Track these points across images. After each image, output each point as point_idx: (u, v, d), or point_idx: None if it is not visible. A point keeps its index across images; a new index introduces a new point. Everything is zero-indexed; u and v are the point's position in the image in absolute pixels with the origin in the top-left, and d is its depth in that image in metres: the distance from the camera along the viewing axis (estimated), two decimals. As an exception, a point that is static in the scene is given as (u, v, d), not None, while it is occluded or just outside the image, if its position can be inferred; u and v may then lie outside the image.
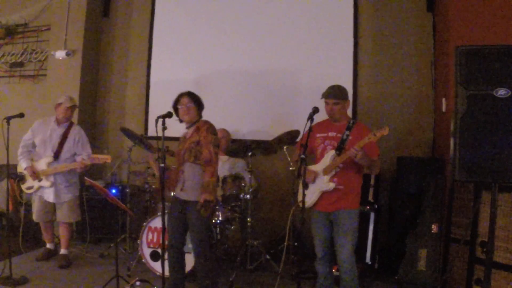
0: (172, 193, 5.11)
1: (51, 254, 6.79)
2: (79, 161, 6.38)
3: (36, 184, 6.44)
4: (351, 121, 4.69)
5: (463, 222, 5.47)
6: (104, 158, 6.31)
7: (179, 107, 4.90)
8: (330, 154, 4.76)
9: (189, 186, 4.81)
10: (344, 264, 4.70)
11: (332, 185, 4.73)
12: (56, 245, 6.90)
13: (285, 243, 6.04)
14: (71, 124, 6.62)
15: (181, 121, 4.99)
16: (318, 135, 4.94)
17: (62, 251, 6.67)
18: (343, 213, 4.72)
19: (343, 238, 4.70)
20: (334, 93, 4.85)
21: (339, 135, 4.75)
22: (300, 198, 4.94)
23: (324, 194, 4.81)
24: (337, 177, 4.76)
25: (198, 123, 4.93)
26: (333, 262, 4.99)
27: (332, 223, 4.82)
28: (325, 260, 4.93)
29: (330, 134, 4.87)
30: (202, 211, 4.67)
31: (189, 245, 5.20)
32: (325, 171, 4.77)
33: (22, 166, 6.46)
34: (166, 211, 5.06)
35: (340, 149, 4.67)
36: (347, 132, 4.66)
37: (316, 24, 7.29)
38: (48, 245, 6.79)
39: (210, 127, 4.90)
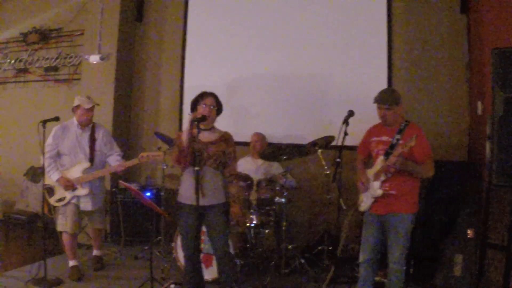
0: (182, 201, 4.98)
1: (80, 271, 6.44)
2: (114, 162, 6.39)
3: (69, 194, 6.20)
4: (403, 124, 4.69)
5: (500, 227, 5.37)
6: (156, 155, 6.19)
7: (202, 105, 4.87)
8: (380, 159, 4.80)
9: (209, 191, 4.77)
10: (392, 265, 4.74)
11: (379, 192, 4.77)
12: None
13: (340, 248, 5.96)
14: (93, 125, 6.48)
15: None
16: (373, 139, 4.99)
17: (97, 252, 6.78)
18: (395, 217, 4.75)
19: (393, 242, 4.74)
20: (386, 99, 4.82)
21: (390, 139, 4.76)
22: (360, 202, 5.06)
23: (377, 198, 4.84)
24: (388, 182, 4.78)
25: (225, 134, 4.96)
26: (377, 268, 5.02)
27: (384, 227, 4.85)
28: (368, 264, 4.95)
29: (383, 138, 4.89)
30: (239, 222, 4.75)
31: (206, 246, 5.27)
32: (375, 177, 4.83)
33: (53, 178, 6.18)
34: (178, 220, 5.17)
35: (388, 154, 4.69)
36: (397, 137, 4.69)
37: (349, 27, 7.27)
38: (73, 263, 6.34)
39: (234, 144, 5.00)
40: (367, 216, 5.01)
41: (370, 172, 4.91)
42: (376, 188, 4.79)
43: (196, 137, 4.60)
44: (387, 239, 4.81)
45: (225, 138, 4.88)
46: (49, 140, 6.22)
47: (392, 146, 4.65)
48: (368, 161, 5.18)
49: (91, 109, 6.33)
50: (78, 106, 6.29)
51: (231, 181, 4.88)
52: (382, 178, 4.77)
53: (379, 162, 4.77)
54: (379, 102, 4.83)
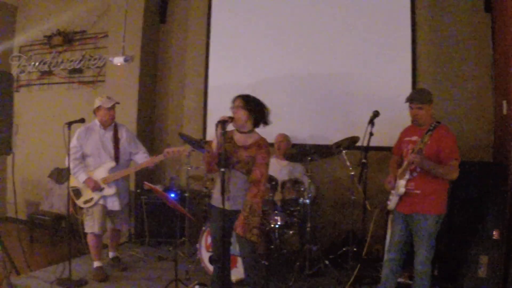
0: (211, 203, 5.00)
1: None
2: (142, 160, 6.43)
3: (96, 195, 6.28)
4: (433, 125, 4.66)
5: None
6: (182, 149, 6.11)
7: (231, 108, 4.85)
8: (408, 158, 4.81)
9: (236, 195, 4.75)
10: (418, 266, 4.76)
11: (402, 190, 4.81)
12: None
13: (365, 248, 6.06)
14: (116, 125, 6.56)
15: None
16: (405, 139, 5.04)
17: (114, 253, 6.87)
18: (419, 216, 4.78)
19: (417, 242, 4.78)
20: (419, 98, 4.87)
21: (420, 139, 4.75)
22: (388, 201, 5.09)
23: (403, 197, 4.89)
24: (414, 181, 4.83)
25: (259, 139, 4.88)
26: (401, 268, 5.04)
27: (409, 227, 4.89)
28: (392, 263, 4.99)
29: (413, 138, 4.93)
30: (238, 232, 4.69)
31: (237, 248, 5.23)
32: (400, 175, 4.87)
33: (81, 179, 6.25)
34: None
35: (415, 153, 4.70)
36: (426, 136, 4.69)
37: (374, 28, 7.24)
38: (98, 263, 6.42)
39: (269, 151, 4.91)
40: (394, 214, 5.07)
41: (399, 171, 4.94)
42: (400, 186, 4.82)
43: (224, 139, 4.59)
44: (413, 239, 4.84)
45: (258, 143, 4.79)
46: (73, 142, 6.28)
47: (420, 149, 4.64)
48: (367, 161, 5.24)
49: (112, 108, 6.44)
50: (99, 107, 6.41)
51: (249, 188, 4.78)
52: (407, 176, 4.80)
53: (406, 161, 4.80)
54: (411, 101, 4.89)
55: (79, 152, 6.31)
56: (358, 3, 7.39)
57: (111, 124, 6.49)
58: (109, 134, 6.45)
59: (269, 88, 7.88)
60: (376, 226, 6.34)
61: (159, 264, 7.00)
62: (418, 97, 4.88)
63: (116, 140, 6.45)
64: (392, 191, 5.02)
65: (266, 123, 4.94)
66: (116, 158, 6.39)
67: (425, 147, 4.59)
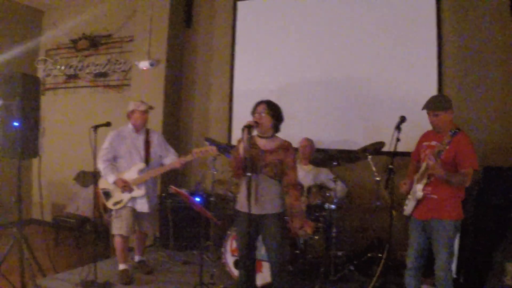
0: (237, 208, 4.99)
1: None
2: (170, 161, 6.50)
3: (126, 196, 6.33)
4: (452, 131, 4.64)
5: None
6: (209, 149, 6.15)
7: (255, 114, 4.88)
8: (425, 163, 4.78)
9: (265, 200, 4.77)
10: (439, 273, 4.72)
11: (420, 194, 4.80)
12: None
13: (385, 253, 5.99)
14: (147, 130, 6.64)
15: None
16: (424, 143, 5.03)
17: (140, 257, 6.89)
18: (437, 222, 4.74)
19: (437, 248, 4.74)
20: (433, 105, 4.87)
21: (439, 144, 4.74)
22: (405, 206, 5.09)
23: (420, 202, 4.88)
24: (431, 186, 4.81)
25: (284, 142, 4.90)
26: (422, 275, 5.03)
27: (427, 233, 4.86)
28: (414, 271, 4.97)
29: (432, 143, 4.89)
30: (301, 234, 4.84)
31: (262, 252, 5.29)
32: (418, 180, 4.87)
33: (110, 180, 6.29)
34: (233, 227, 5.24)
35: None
36: (445, 142, 4.68)
37: (398, 33, 7.18)
38: (123, 266, 6.46)
39: (295, 153, 4.99)
40: (411, 221, 5.04)
41: (416, 176, 4.95)
42: (417, 190, 4.83)
43: (249, 144, 4.62)
44: (432, 246, 4.83)
45: (284, 146, 4.84)
46: (105, 144, 6.38)
47: (439, 151, 4.65)
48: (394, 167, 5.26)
49: (146, 112, 6.51)
50: (133, 111, 6.47)
51: (287, 192, 4.85)
52: (424, 181, 4.80)
53: (424, 166, 4.80)
54: (426, 109, 4.91)
55: (110, 154, 6.38)
56: (382, 8, 7.35)
57: (143, 127, 6.57)
58: (141, 138, 6.53)
59: (294, 93, 7.89)
60: (401, 231, 6.32)
61: (184, 268, 7.03)
62: (433, 104, 4.88)
63: (147, 144, 6.53)
64: (409, 196, 5.03)
65: (279, 129, 5.00)
66: (147, 160, 6.46)
67: (443, 153, 4.59)
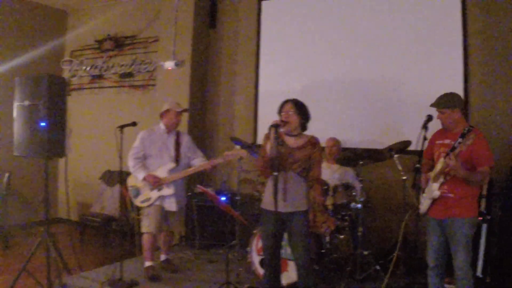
0: (264, 207, 5.00)
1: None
2: (199, 163, 6.54)
3: (154, 194, 6.40)
4: (466, 129, 4.67)
5: None
6: (241, 152, 6.27)
7: (282, 113, 4.91)
8: (440, 161, 4.78)
9: (293, 197, 4.79)
10: (458, 272, 4.71)
11: (437, 193, 4.80)
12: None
13: (394, 254, 5.98)
14: (178, 132, 6.73)
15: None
16: (437, 142, 5.03)
17: (166, 256, 6.93)
18: (454, 221, 4.73)
19: (455, 247, 4.73)
20: (438, 102, 4.92)
21: (452, 142, 4.76)
22: (420, 205, 5.10)
23: (436, 201, 4.87)
24: (447, 184, 4.80)
25: (311, 138, 4.96)
26: (445, 273, 5.00)
27: (445, 233, 4.85)
28: (436, 270, 4.96)
29: (446, 141, 4.91)
30: (323, 230, 4.85)
31: (288, 252, 5.29)
32: (434, 179, 4.85)
33: (140, 177, 6.37)
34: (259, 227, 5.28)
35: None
36: (459, 140, 4.65)
37: (424, 31, 7.15)
38: (149, 263, 6.52)
39: (321, 148, 5.04)
40: (427, 220, 5.04)
41: (431, 174, 4.94)
42: (434, 189, 4.82)
43: (277, 143, 4.61)
44: (449, 245, 4.82)
45: (311, 142, 4.90)
46: (136, 143, 6.53)
47: (454, 149, 4.64)
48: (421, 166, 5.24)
49: (181, 114, 6.65)
50: (168, 110, 6.57)
51: (312, 185, 4.88)
52: (441, 180, 4.79)
53: (439, 164, 4.78)
54: (433, 106, 4.97)
55: (140, 152, 6.49)
56: (408, 9, 7.33)
57: (175, 128, 6.67)
58: (171, 138, 6.62)
59: (320, 93, 7.88)
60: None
61: (209, 267, 7.08)
62: (438, 102, 4.93)
63: (177, 144, 6.62)
64: (423, 194, 5.05)
65: (306, 128, 5.03)
66: (177, 160, 6.53)
67: (457, 147, 4.59)
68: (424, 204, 5.00)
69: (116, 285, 5.97)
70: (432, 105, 4.98)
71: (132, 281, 6.14)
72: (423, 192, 5.07)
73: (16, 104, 5.94)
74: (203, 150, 7.37)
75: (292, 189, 4.79)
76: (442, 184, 4.81)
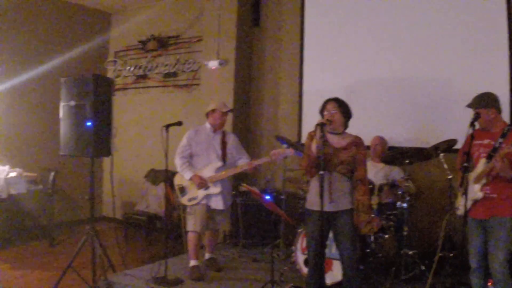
0: (309, 207, 4.98)
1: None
2: (243, 163, 6.61)
3: (201, 193, 6.45)
4: (506, 128, 4.67)
5: None
6: (287, 151, 6.36)
7: (325, 113, 4.91)
8: (482, 162, 4.77)
9: (338, 197, 4.79)
10: (496, 274, 4.67)
11: (480, 195, 4.74)
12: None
13: (438, 254, 6.00)
14: (224, 131, 6.79)
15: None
16: (476, 142, 4.92)
17: (210, 255, 6.98)
18: (496, 220, 4.68)
19: (493, 247, 4.69)
20: (473, 103, 4.91)
21: (493, 142, 4.75)
22: (457, 205, 5.07)
23: (477, 202, 4.80)
24: (489, 185, 4.73)
25: (356, 138, 4.94)
26: (489, 275, 4.91)
27: (485, 232, 4.80)
28: (479, 272, 4.90)
29: (485, 141, 4.87)
30: (366, 230, 4.81)
31: (332, 251, 5.34)
32: (476, 180, 4.80)
33: (187, 176, 6.45)
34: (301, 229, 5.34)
35: (491, 157, 4.68)
36: (500, 140, 4.65)
37: (470, 30, 7.07)
38: (194, 262, 6.56)
39: (366, 148, 5.06)
40: (469, 221, 4.95)
41: (471, 175, 4.85)
42: (476, 190, 4.77)
43: (323, 142, 4.59)
44: (488, 245, 4.77)
45: (356, 142, 4.89)
46: (183, 142, 6.60)
47: (495, 149, 4.62)
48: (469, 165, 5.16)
49: (226, 114, 6.70)
50: (214, 110, 6.62)
51: (356, 187, 4.88)
52: (484, 181, 4.73)
53: (481, 165, 4.76)
54: (468, 106, 4.96)
55: (187, 151, 6.57)
56: (453, 6, 7.24)
57: (221, 128, 6.73)
58: (218, 137, 6.68)
59: (365, 91, 7.84)
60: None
61: (253, 266, 7.11)
62: (473, 102, 4.92)
63: (224, 143, 6.68)
64: (462, 195, 4.93)
65: (348, 125, 5.04)
66: (223, 159, 6.60)
67: (503, 149, 4.54)
68: (465, 205, 4.89)
69: (161, 283, 6.04)
70: (468, 106, 4.96)
71: (177, 279, 6.21)
72: (463, 193, 4.95)
73: (62, 104, 6.08)
74: (247, 149, 7.42)
75: (337, 189, 4.80)
76: (484, 185, 4.75)
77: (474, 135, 4.70)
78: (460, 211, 4.98)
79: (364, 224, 4.79)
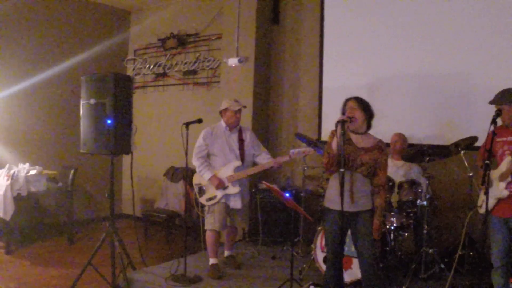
0: (328, 206, 4.98)
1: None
2: (264, 161, 6.63)
3: (220, 193, 6.45)
4: None
5: None
6: (307, 150, 6.38)
7: (345, 110, 4.89)
8: (506, 160, 4.73)
9: (359, 197, 4.80)
10: None
11: (505, 193, 4.71)
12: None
13: (458, 252, 5.98)
14: (240, 128, 6.76)
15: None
16: (498, 139, 4.89)
17: (230, 252, 7.03)
18: None
19: None
20: (495, 99, 4.90)
21: None
22: (480, 203, 5.06)
23: (502, 200, 4.78)
24: None
25: (379, 142, 4.94)
26: (511, 273, 4.91)
27: (510, 230, 4.77)
28: (501, 270, 4.86)
29: (509, 138, 4.84)
30: (375, 236, 4.83)
31: (352, 249, 5.33)
32: (501, 177, 4.77)
33: (206, 177, 6.45)
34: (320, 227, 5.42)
35: None
36: None
37: (493, 26, 7.02)
38: (213, 261, 6.61)
39: (387, 153, 5.05)
40: (493, 220, 4.92)
41: (495, 173, 4.84)
42: (501, 189, 4.73)
43: (343, 140, 4.55)
44: None
45: (379, 146, 4.89)
46: (199, 142, 6.59)
47: None
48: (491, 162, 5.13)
49: (239, 112, 6.62)
50: (226, 109, 6.61)
51: (378, 192, 4.87)
52: (509, 179, 4.69)
53: (506, 163, 4.73)
54: (491, 103, 4.95)
55: (204, 151, 6.57)
56: (475, 2, 7.22)
57: (236, 126, 6.70)
58: (234, 136, 6.68)
59: (385, 88, 7.83)
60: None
61: (273, 263, 7.13)
62: (495, 98, 4.91)
63: (241, 142, 6.68)
64: (485, 194, 4.87)
65: (371, 126, 5.03)
66: (242, 158, 6.60)
67: None
68: (489, 203, 4.79)
69: (180, 280, 6.10)
70: (490, 102, 4.95)
71: (196, 277, 6.25)
72: (485, 191, 4.91)
73: (82, 102, 6.11)
74: (267, 147, 7.43)
75: (358, 190, 4.81)
76: (509, 183, 4.70)
77: (496, 132, 4.68)
78: (482, 209, 4.93)
79: (378, 227, 4.85)
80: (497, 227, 4.88)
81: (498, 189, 4.77)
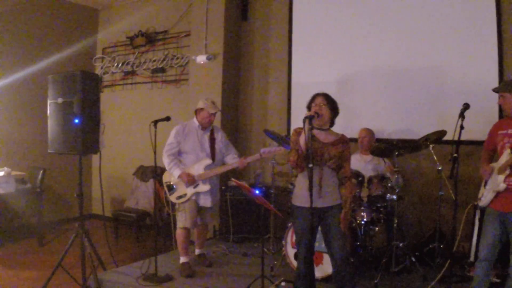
0: (297, 203, 4.94)
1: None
2: (232, 160, 6.64)
3: (190, 191, 6.44)
4: None
5: None
6: (278, 150, 6.35)
7: (312, 105, 4.88)
8: (506, 153, 4.70)
9: (328, 192, 4.81)
10: None
11: (503, 186, 4.67)
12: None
13: (456, 245, 6.07)
14: (212, 127, 6.76)
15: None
16: (499, 132, 4.91)
17: (200, 250, 7.03)
18: None
19: None
20: (499, 86, 4.88)
21: None
22: (480, 196, 5.05)
23: (501, 194, 4.74)
24: None
25: (342, 136, 4.95)
26: (493, 268, 4.94)
27: (505, 225, 4.74)
28: (485, 263, 4.85)
29: (510, 131, 4.79)
30: (342, 228, 4.81)
31: (322, 245, 5.33)
32: (500, 170, 4.74)
33: (175, 174, 6.43)
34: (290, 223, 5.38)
35: None
36: None
37: (460, 21, 7.05)
38: (184, 259, 6.55)
39: (350, 147, 5.05)
40: (488, 212, 4.92)
41: (495, 166, 4.84)
42: (499, 182, 4.71)
43: (310, 136, 4.54)
44: (510, 238, 4.72)
45: (343, 140, 4.91)
46: (170, 139, 6.54)
47: None
48: (493, 156, 5.13)
49: (214, 115, 6.63)
50: (202, 109, 6.58)
51: (344, 183, 4.89)
52: (507, 172, 4.66)
53: (505, 156, 4.69)
54: (494, 90, 4.94)
55: (174, 148, 6.52)
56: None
57: (209, 126, 6.69)
58: (206, 134, 6.66)
59: (353, 83, 7.88)
60: (466, 222, 6.29)
61: (244, 260, 7.14)
62: (499, 85, 4.92)
63: (212, 140, 6.68)
64: (487, 187, 4.93)
65: (334, 123, 5.04)
66: (213, 156, 6.60)
67: None
68: (488, 197, 4.86)
69: (151, 280, 6.06)
70: (494, 90, 4.94)
71: (167, 276, 6.22)
72: (485, 184, 4.98)
73: (49, 102, 6.03)
74: (236, 144, 7.44)
75: (327, 184, 4.82)
76: (507, 176, 4.67)
77: (498, 125, 4.77)
78: (482, 202, 4.96)
79: (344, 221, 4.84)
80: (490, 219, 4.87)
81: (496, 182, 4.75)
